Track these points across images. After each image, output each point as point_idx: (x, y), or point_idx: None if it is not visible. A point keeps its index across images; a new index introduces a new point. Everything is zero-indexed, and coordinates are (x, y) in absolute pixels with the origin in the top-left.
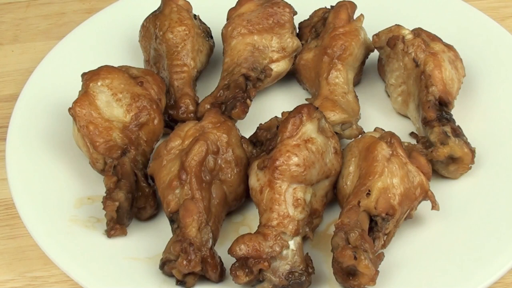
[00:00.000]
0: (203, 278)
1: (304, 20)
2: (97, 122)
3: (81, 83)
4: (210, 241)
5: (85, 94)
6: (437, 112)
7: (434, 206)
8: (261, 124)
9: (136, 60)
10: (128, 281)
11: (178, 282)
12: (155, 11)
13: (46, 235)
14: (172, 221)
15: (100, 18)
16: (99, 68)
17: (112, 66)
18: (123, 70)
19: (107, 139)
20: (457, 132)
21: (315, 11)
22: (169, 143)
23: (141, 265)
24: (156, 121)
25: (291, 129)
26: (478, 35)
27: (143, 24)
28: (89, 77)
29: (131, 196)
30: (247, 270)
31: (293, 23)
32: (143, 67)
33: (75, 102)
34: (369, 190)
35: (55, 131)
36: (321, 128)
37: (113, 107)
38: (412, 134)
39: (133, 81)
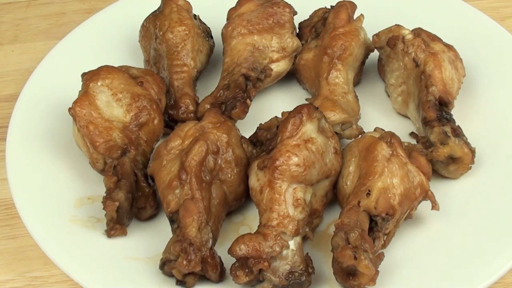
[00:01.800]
0: (203, 278)
1: (304, 20)
2: (97, 122)
3: (81, 83)
4: (210, 241)
5: (85, 94)
6: (437, 112)
7: (434, 206)
8: (261, 124)
9: (136, 60)
10: (128, 281)
11: (178, 282)
12: (155, 11)
13: (46, 235)
14: (172, 221)
15: (100, 18)
16: (99, 68)
17: (112, 66)
18: (123, 70)
19: (107, 139)
20: (457, 132)
21: (315, 11)
22: (169, 143)
23: (141, 265)
24: (156, 121)
25: (291, 129)
26: (478, 35)
27: (143, 24)
28: (89, 77)
29: (131, 196)
30: (247, 270)
31: (293, 23)
32: (143, 67)
33: (75, 102)
34: (369, 190)
35: (55, 131)
36: (321, 128)
37: (113, 107)
38: (412, 134)
39: (133, 81)
